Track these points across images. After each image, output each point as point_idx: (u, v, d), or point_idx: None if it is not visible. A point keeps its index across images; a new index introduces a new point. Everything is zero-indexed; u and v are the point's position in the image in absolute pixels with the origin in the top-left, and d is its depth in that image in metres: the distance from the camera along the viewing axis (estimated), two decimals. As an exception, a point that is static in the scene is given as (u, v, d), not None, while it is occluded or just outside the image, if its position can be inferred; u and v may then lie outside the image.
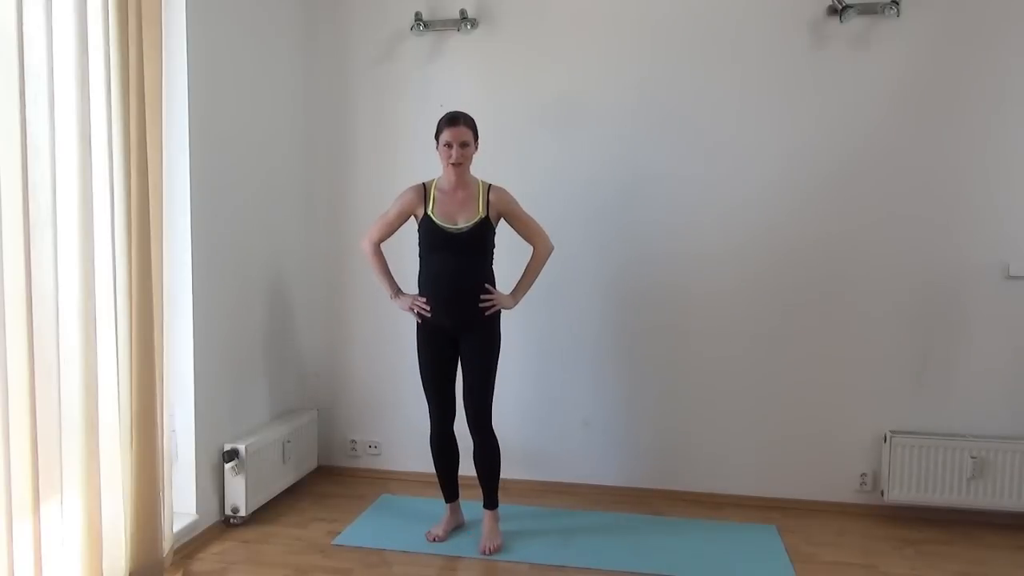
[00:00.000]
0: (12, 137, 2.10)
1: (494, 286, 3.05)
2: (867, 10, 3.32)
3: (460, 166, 2.97)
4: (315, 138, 3.88)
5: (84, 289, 2.39)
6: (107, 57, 2.45)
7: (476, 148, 3.03)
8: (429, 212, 2.99)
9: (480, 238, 2.98)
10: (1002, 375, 3.37)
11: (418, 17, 3.66)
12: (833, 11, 3.36)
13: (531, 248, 3.09)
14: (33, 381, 2.15)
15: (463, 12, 3.61)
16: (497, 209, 3.01)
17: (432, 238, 3.00)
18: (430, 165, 3.74)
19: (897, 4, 3.29)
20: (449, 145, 2.95)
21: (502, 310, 3.06)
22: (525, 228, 3.08)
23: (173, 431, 2.98)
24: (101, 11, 2.43)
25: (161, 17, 2.66)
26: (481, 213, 2.97)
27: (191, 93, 2.95)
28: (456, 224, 2.97)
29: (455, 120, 2.96)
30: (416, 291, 3.07)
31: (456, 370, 3.12)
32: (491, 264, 3.07)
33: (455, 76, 3.71)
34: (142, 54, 2.54)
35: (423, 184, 3.07)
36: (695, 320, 3.59)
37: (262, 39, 3.50)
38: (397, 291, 3.15)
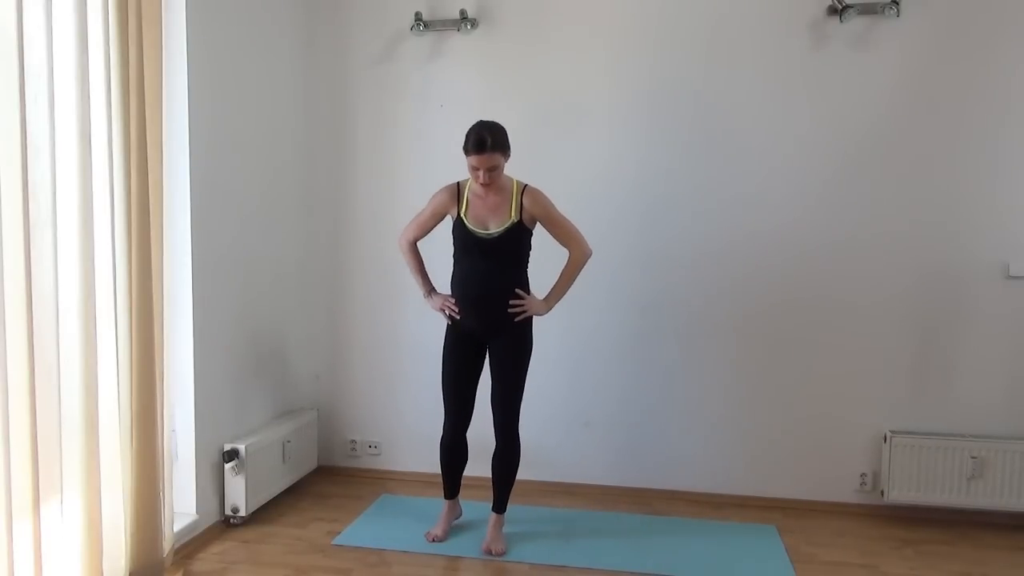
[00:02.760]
0: (12, 137, 2.10)
1: (527, 291, 2.99)
2: (867, 10, 3.32)
3: (491, 186, 2.87)
4: (315, 138, 3.88)
5: (84, 289, 2.38)
6: (107, 57, 2.45)
7: (508, 158, 2.90)
8: (462, 215, 2.94)
9: (512, 243, 2.92)
10: (1002, 375, 3.37)
11: (418, 17, 3.66)
12: (833, 11, 3.36)
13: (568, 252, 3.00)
14: (33, 381, 2.14)
15: (463, 12, 3.60)
16: (531, 213, 2.93)
17: (464, 242, 2.95)
18: (430, 165, 3.76)
19: (897, 4, 3.29)
20: (477, 169, 2.83)
21: (535, 316, 3.00)
22: (561, 232, 2.98)
23: (173, 431, 2.97)
24: (101, 11, 2.43)
25: (161, 17, 2.66)
26: (513, 217, 2.90)
27: (191, 93, 2.95)
28: (487, 229, 2.91)
29: (481, 146, 2.77)
30: (448, 292, 3.04)
31: (479, 377, 3.08)
32: (525, 268, 3.01)
33: (455, 76, 3.71)
34: (142, 54, 2.54)
35: (457, 184, 3.01)
36: (695, 320, 3.59)
37: (262, 39, 3.50)
38: (430, 290, 3.12)
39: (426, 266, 3.15)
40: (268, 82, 3.55)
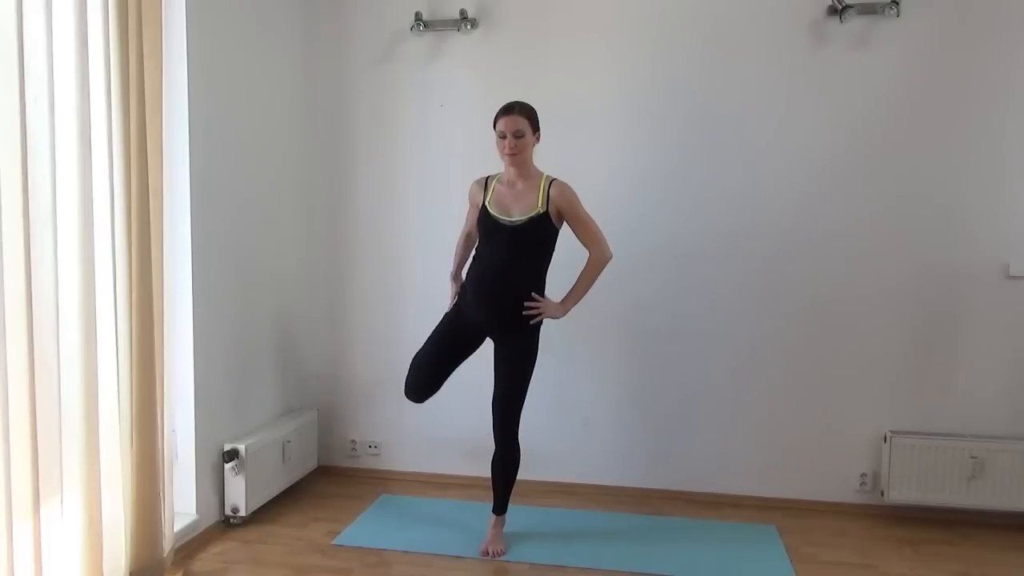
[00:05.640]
0: (12, 137, 2.10)
1: (542, 292, 2.95)
2: (867, 10, 3.33)
3: (516, 157, 2.87)
4: (315, 138, 3.88)
5: (84, 289, 2.38)
6: (107, 57, 2.45)
7: (537, 139, 2.94)
8: (486, 202, 2.93)
9: (535, 234, 2.88)
10: (1002, 375, 3.37)
11: (418, 17, 3.66)
12: (833, 11, 3.36)
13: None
14: (33, 381, 2.14)
15: (463, 12, 3.61)
16: (557, 205, 2.88)
17: (486, 229, 2.92)
18: (430, 165, 3.77)
19: (897, 4, 3.29)
20: (503, 136, 2.86)
21: (545, 319, 2.96)
22: (583, 230, 2.94)
23: (173, 431, 2.97)
24: (101, 11, 2.43)
25: (161, 17, 2.66)
26: (540, 207, 2.86)
27: (191, 93, 2.95)
28: (511, 216, 2.89)
29: (509, 109, 2.88)
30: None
31: (456, 368, 3.06)
32: (544, 269, 2.96)
33: (455, 76, 3.71)
34: (142, 54, 2.54)
35: (487, 177, 3.03)
36: (695, 320, 3.59)
37: (262, 39, 3.50)
38: (456, 275, 3.14)
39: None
40: (268, 82, 3.55)
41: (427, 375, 3.06)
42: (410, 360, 3.05)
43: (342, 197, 3.89)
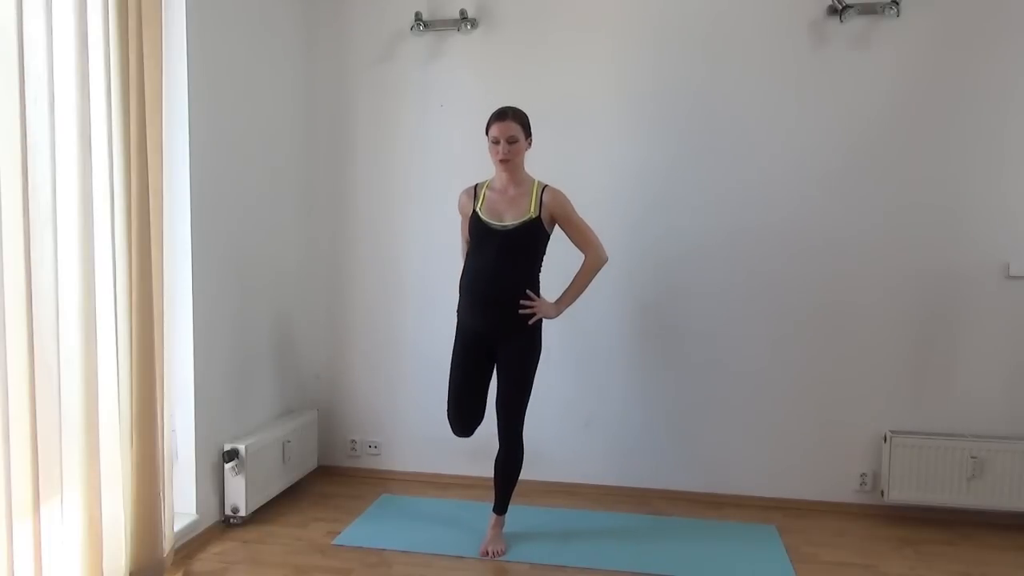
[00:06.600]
0: (12, 137, 2.10)
1: (537, 293, 2.96)
2: (867, 10, 3.33)
3: (508, 163, 2.89)
4: (315, 138, 3.88)
5: (84, 289, 2.38)
6: (107, 57, 2.45)
7: (529, 144, 2.96)
8: (477, 209, 2.94)
9: (527, 238, 2.89)
10: (1002, 375, 3.37)
11: (418, 17, 3.66)
12: (833, 11, 3.36)
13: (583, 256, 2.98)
14: (33, 381, 2.15)
15: (463, 12, 3.61)
16: (550, 210, 2.91)
17: (476, 234, 2.93)
18: (430, 165, 3.76)
19: (897, 4, 3.29)
20: (496, 141, 2.88)
21: (544, 319, 2.97)
22: (578, 234, 2.97)
23: (173, 431, 2.97)
24: (101, 11, 2.43)
25: (161, 17, 2.66)
26: (532, 213, 2.88)
27: (191, 93, 2.95)
28: (503, 221, 2.90)
29: (503, 115, 2.88)
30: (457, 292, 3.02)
31: (488, 385, 3.05)
32: (536, 270, 2.98)
33: (455, 76, 3.71)
34: (142, 54, 2.54)
35: (475, 185, 3.03)
36: (696, 320, 3.59)
37: (262, 39, 3.50)
38: None
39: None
40: (268, 82, 3.55)
41: (465, 406, 3.05)
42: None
43: (342, 196, 3.89)
